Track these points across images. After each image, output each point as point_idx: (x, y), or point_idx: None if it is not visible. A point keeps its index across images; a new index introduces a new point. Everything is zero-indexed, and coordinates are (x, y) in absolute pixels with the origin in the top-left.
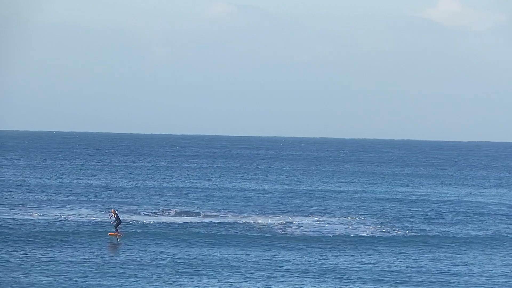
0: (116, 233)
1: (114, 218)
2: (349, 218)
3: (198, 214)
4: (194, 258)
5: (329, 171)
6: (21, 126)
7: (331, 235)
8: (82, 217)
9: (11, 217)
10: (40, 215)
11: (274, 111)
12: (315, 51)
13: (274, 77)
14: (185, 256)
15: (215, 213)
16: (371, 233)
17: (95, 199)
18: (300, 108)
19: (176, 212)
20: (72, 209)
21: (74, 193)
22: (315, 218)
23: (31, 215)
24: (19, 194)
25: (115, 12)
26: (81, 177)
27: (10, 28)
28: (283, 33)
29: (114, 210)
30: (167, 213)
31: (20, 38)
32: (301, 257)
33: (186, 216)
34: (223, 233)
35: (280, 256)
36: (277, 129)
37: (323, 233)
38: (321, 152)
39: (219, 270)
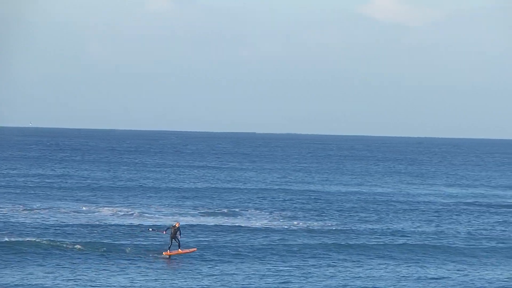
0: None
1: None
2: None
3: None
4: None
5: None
6: None
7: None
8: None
9: None
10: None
11: (212, 105)
12: (255, 46)
13: (214, 71)
14: None
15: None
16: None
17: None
18: (239, 102)
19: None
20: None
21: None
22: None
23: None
24: None
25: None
26: None
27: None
28: (223, 28)
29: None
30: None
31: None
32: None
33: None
34: None
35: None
36: (212, 124)
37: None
38: (262, 149)
39: None
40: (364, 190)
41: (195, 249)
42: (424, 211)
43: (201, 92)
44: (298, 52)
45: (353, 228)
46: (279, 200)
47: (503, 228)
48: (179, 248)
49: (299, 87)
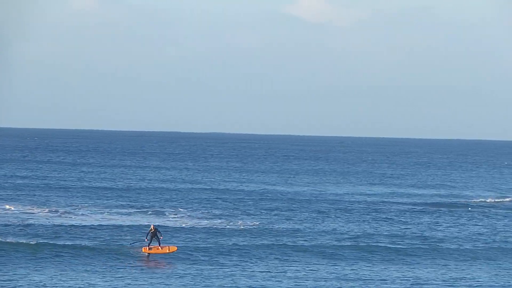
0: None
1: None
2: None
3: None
4: None
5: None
6: None
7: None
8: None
9: None
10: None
11: (143, 104)
12: (182, 45)
13: (141, 70)
14: None
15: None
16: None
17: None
18: (164, 101)
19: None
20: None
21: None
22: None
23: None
24: None
25: None
26: None
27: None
28: (148, 26)
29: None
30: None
31: None
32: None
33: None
34: None
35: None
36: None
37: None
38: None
39: None
40: (288, 190)
41: (176, 248)
42: (346, 210)
43: (125, 90)
44: (224, 52)
45: (276, 227)
46: (204, 199)
47: (427, 228)
48: (159, 245)
49: (224, 87)
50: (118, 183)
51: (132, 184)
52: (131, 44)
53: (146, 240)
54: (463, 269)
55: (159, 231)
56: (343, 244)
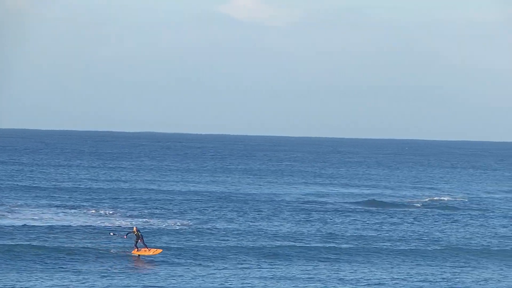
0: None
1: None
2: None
3: None
4: None
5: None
6: None
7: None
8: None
9: None
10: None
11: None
12: (116, 46)
13: (74, 71)
14: None
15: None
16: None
17: None
18: (97, 100)
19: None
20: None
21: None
22: None
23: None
24: None
25: None
26: None
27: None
28: (81, 25)
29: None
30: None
31: None
32: None
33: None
34: None
35: None
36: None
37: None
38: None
39: None
40: (223, 189)
41: (161, 250)
42: (280, 208)
43: (58, 89)
44: (156, 52)
45: (206, 227)
46: (136, 200)
47: (355, 227)
48: (145, 247)
49: (158, 87)
50: (52, 182)
51: (59, 183)
52: (65, 42)
53: (125, 237)
54: (392, 268)
55: (140, 233)
56: (277, 244)
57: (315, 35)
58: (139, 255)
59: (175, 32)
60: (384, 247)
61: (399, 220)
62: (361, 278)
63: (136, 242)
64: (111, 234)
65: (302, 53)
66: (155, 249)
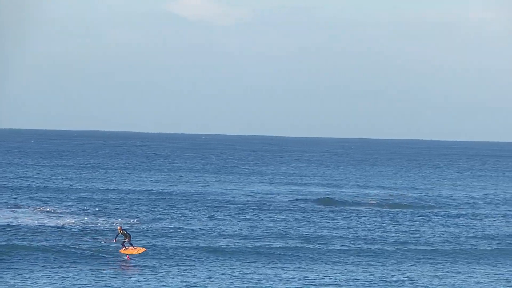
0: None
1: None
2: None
3: None
4: None
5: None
6: None
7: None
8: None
9: None
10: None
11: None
12: (56, 43)
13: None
14: None
15: None
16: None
17: None
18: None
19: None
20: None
21: None
22: None
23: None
24: None
25: None
26: None
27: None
28: (22, 23)
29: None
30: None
31: None
32: None
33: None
34: None
35: None
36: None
37: None
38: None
39: None
40: (174, 189)
41: (145, 249)
42: (228, 207)
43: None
44: (104, 51)
45: (152, 226)
46: (87, 199)
47: (309, 226)
48: (132, 246)
49: (103, 86)
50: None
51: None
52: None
53: (114, 241)
54: (341, 269)
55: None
56: (229, 244)
57: (262, 33)
58: (127, 254)
59: (120, 30)
60: (336, 247)
61: (359, 218)
62: (317, 278)
63: (124, 241)
64: (103, 242)
65: (247, 53)
66: (140, 248)
